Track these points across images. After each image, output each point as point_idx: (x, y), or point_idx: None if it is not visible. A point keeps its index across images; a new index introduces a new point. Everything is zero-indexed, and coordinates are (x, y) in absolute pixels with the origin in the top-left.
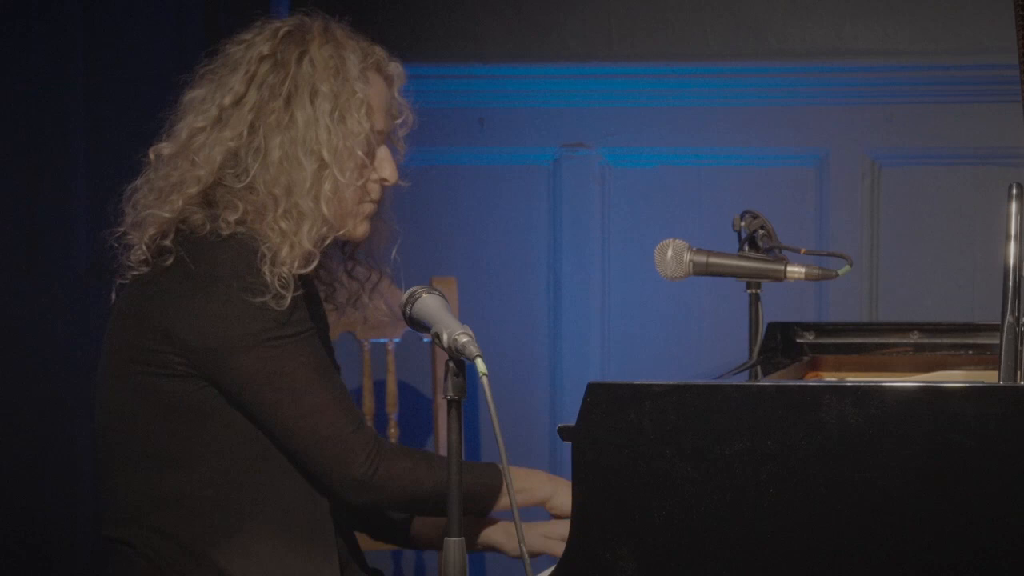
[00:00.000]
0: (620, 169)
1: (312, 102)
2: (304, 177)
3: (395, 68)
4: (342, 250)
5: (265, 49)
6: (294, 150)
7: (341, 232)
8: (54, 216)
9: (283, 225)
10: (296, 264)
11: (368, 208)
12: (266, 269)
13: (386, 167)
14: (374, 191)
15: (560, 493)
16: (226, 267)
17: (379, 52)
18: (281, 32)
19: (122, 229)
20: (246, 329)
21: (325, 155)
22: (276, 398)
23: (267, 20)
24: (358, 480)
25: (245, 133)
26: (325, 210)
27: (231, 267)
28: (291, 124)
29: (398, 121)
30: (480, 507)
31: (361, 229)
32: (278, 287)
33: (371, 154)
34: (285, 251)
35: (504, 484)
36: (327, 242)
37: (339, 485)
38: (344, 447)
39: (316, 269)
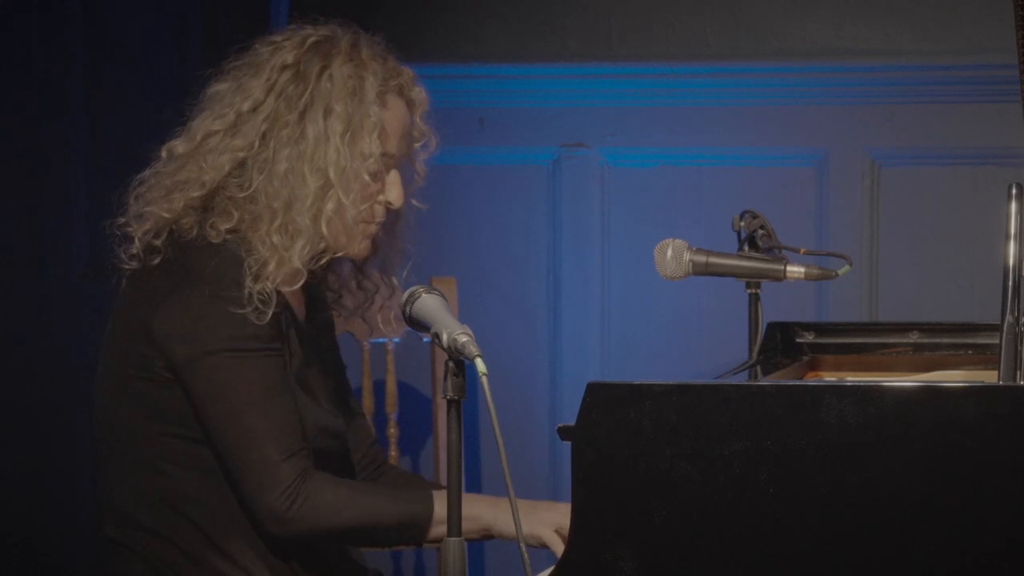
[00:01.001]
0: (620, 169)
1: (325, 120)
2: (306, 193)
3: (419, 93)
4: (353, 262)
5: (289, 58)
6: (300, 165)
7: (340, 252)
8: (54, 216)
9: (275, 239)
10: (280, 280)
11: (370, 229)
12: (248, 282)
13: (393, 191)
14: (378, 213)
15: (500, 520)
16: (208, 273)
17: (406, 75)
18: (308, 42)
19: (123, 220)
20: (210, 335)
21: (331, 174)
22: (216, 411)
23: (300, 25)
24: (274, 511)
25: (256, 144)
26: (324, 229)
27: (213, 273)
28: (301, 138)
29: (418, 145)
30: (408, 536)
31: (360, 248)
32: (257, 302)
33: (379, 177)
34: (272, 266)
35: (434, 515)
36: (322, 261)
37: (258, 513)
38: (266, 476)
39: (325, 275)
